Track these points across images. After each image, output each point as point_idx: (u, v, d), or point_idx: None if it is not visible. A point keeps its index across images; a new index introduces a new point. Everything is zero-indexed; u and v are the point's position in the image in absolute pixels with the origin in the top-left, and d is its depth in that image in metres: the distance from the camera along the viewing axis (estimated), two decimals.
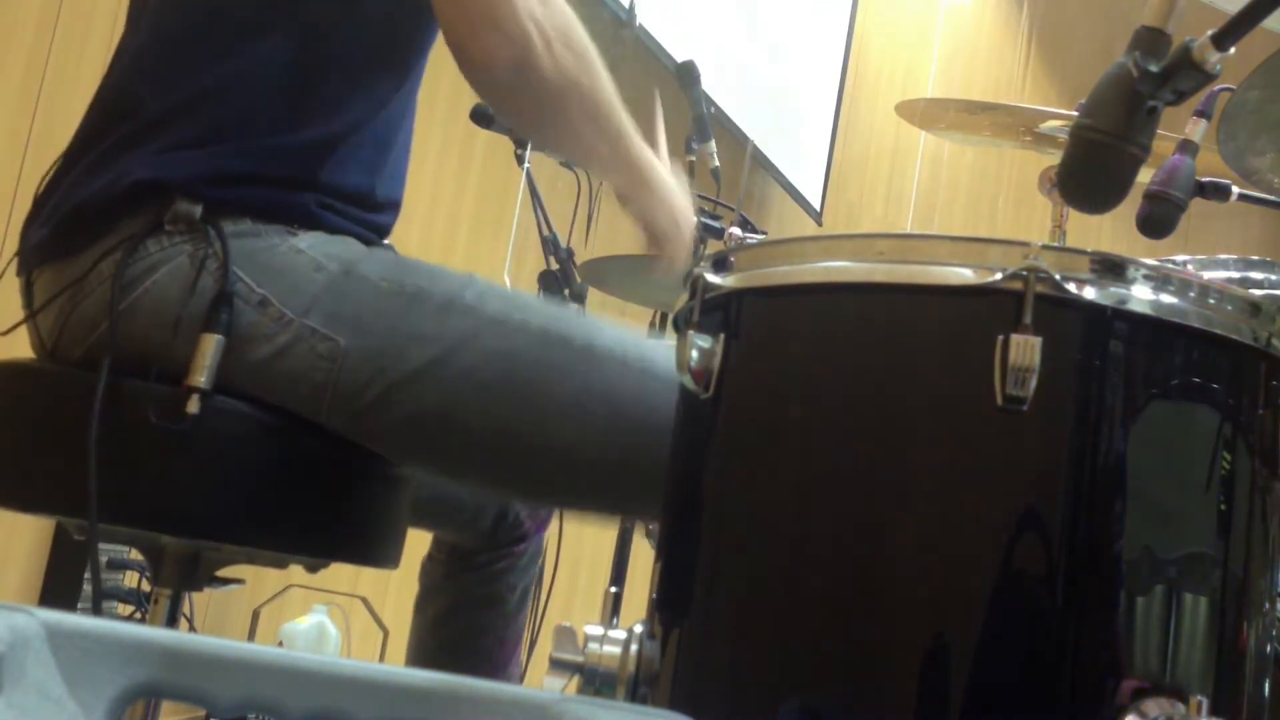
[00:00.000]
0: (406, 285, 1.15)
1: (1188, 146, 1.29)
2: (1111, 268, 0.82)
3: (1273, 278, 1.36)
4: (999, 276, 0.81)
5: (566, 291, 2.15)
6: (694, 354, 0.91)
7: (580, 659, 0.90)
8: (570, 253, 2.19)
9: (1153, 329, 0.83)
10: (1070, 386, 0.82)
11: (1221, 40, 0.84)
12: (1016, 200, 5.89)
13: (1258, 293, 0.91)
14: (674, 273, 1.34)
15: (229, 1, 1.18)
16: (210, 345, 1.09)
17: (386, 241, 1.29)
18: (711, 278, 0.93)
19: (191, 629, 2.52)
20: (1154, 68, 0.86)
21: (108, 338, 1.10)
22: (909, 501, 0.83)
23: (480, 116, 2.12)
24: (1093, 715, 0.79)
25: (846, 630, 0.84)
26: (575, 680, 0.90)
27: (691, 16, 3.92)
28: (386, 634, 2.77)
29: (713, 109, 2.28)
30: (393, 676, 0.62)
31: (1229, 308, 0.85)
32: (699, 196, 2.02)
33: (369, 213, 1.24)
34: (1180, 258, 1.44)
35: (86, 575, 2.33)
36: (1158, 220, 1.24)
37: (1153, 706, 0.78)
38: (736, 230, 1.75)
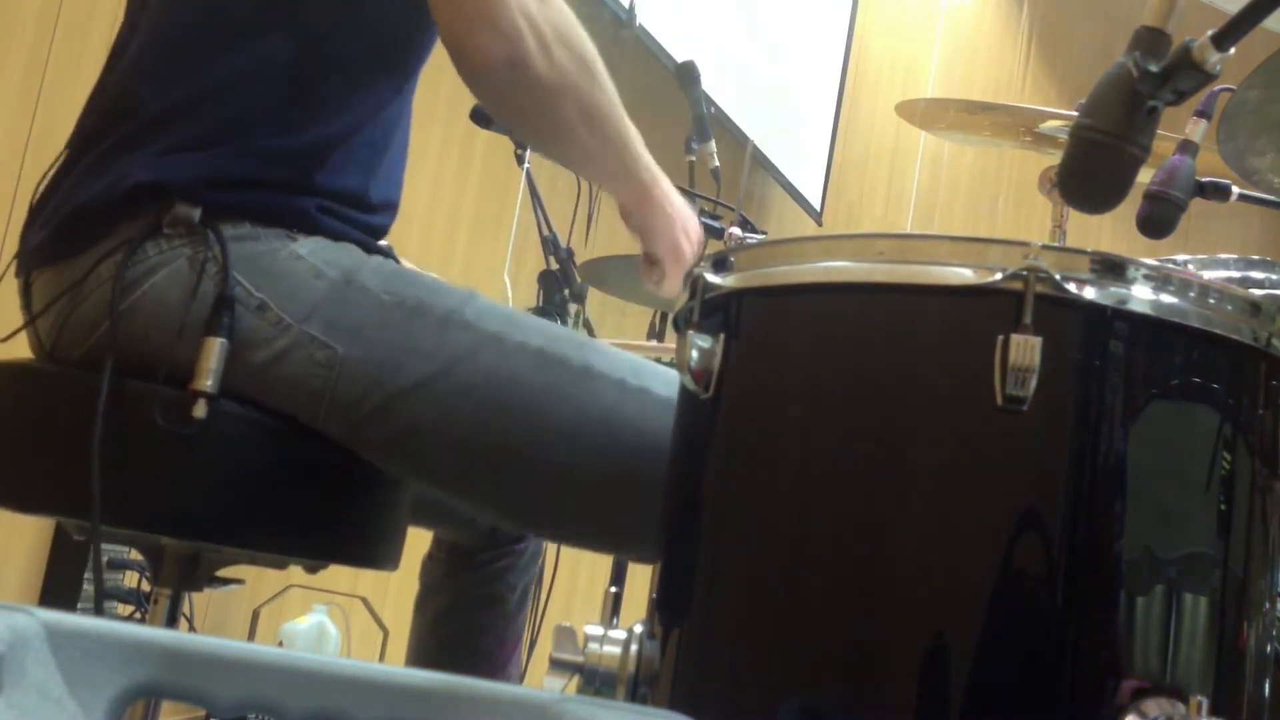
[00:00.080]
0: (407, 298, 1.14)
1: (1188, 146, 1.29)
2: (1111, 268, 0.83)
3: (1273, 277, 1.36)
4: (999, 276, 0.81)
5: (566, 291, 2.15)
6: (694, 354, 0.90)
7: (580, 659, 0.90)
8: (570, 253, 2.19)
9: (1153, 329, 0.83)
10: (1070, 386, 0.82)
11: (1221, 40, 0.84)
12: (1016, 200, 5.89)
13: (1258, 293, 0.91)
14: (668, 293, 1.33)
15: (229, 2, 1.18)
16: (214, 349, 1.09)
17: (385, 243, 1.29)
18: (711, 278, 0.93)
19: (191, 629, 2.52)
20: (1154, 68, 0.86)
21: (107, 339, 1.09)
22: (909, 501, 0.83)
23: (480, 117, 2.12)
24: (1093, 715, 0.79)
25: (846, 630, 0.84)
26: (575, 680, 0.90)
27: (691, 16, 3.92)
28: (386, 634, 2.77)
29: (713, 109, 2.28)
30: (393, 676, 0.62)
31: (1229, 308, 0.85)
32: (699, 197, 2.02)
33: (364, 214, 1.24)
34: (1180, 258, 1.44)
35: (87, 575, 2.33)
36: (1158, 220, 1.24)
37: (1153, 706, 0.78)
38: (736, 230, 1.75)
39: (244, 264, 1.12)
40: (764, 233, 1.77)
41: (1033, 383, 0.78)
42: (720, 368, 0.90)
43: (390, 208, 1.29)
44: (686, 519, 0.94)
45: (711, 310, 0.94)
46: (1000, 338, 0.79)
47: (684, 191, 2.03)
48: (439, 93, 2.86)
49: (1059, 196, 1.59)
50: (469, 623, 1.49)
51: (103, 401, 1.06)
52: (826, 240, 0.91)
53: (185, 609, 1.25)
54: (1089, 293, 0.81)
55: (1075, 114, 0.91)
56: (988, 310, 0.82)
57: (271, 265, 1.13)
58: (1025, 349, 0.78)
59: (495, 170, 3.33)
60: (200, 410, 1.07)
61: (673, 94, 2.10)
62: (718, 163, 2.13)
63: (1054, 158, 1.87)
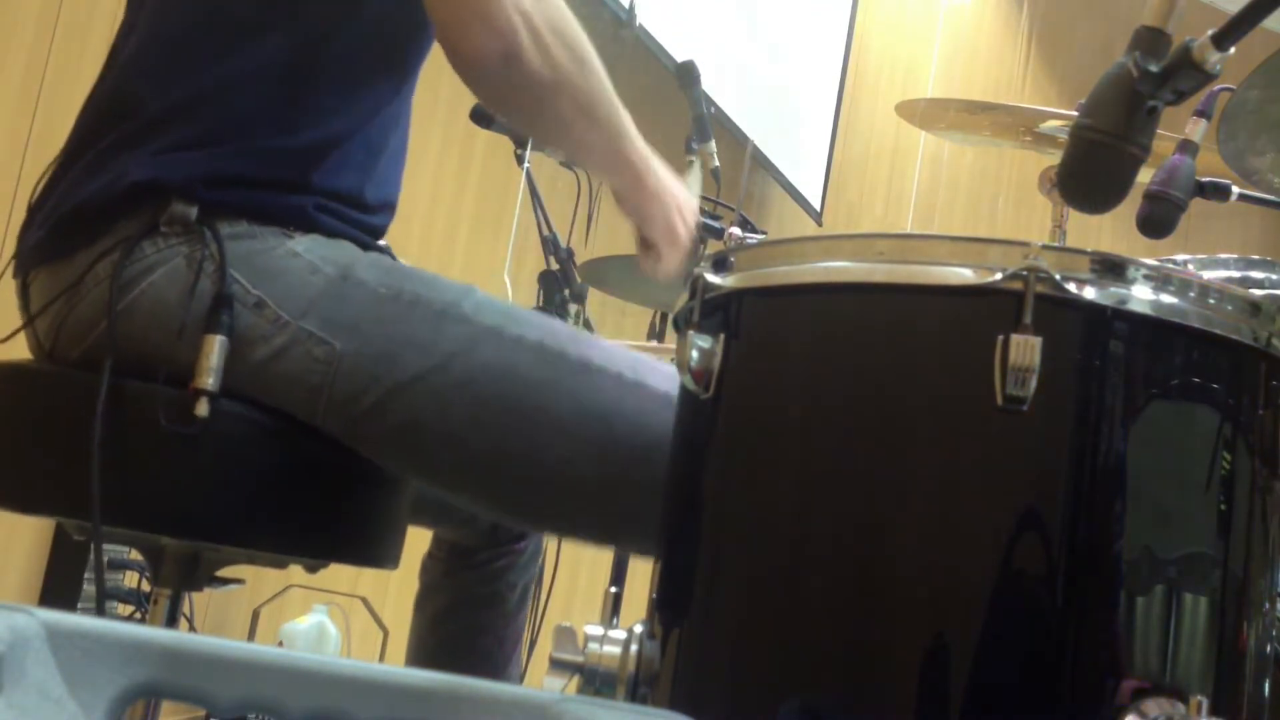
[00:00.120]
0: (404, 292, 1.14)
1: (1188, 146, 1.29)
2: (1111, 268, 0.83)
3: (1273, 277, 1.36)
4: (999, 276, 0.81)
5: (566, 291, 2.15)
6: (694, 354, 0.90)
7: (580, 659, 0.90)
8: (570, 253, 2.19)
9: (1153, 329, 0.83)
10: (1070, 386, 0.82)
11: (1221, 40, 0.84)
12: (1016, 200, 5.89)
13: (1258, 293, 0.91)
14: (664, 276, 1.34)
15: (229, 2, 1.18)
16: (215, 347, 1.09)
17: (383, 242, 1.29)
18: (711, 278, 0.93)
19: (191, 629, 2.52)
20: (1154, 68, 0.86)
21: (105, 339, 1.10)
22: (909, 501, 0.83)
23: (480, 116, 2.12)
24: (1093, 715, 0.79)
25: (846, 630, 0.84)
26: (575, 680, 0.90)
27: (691, 16, 3.92)
28: (386, 634, 2.77)
29: (713, 109, 2.28)
30: (393, 676, 0.62)
31: (1229, 308, 0.85)
32: (698, 196, 2.02)
33: (361, 214, 1.24)
34: (1180, 258, 1.44)
35: (87, 575, 2.33)
36: (1158, 220, 1.24)
37: (1153, 706, 0.78)
38: (736, 230, 1.75)
39: (241, 262, 1.12)
40: (764, 233, 1.77)
41: (1033, 383, 0.78)
42: (720, 368, 0.90)
43: (388, 208, 1.29)
44: (686, 519, 0.94)
45: (711, 310, 0.94)
46: (1000, 338, 0.79)
47: None
48: (439, 93, 2.86)
49: (1059, 196, 1.58)
50: (469, 622, 1.48)
51: (101, 401, 1.06)
52: (826, 240, 0.91)
53: (185, 609, 1.25)
54: (1089, 293, 0.81)
55: (1075, 114, 0.91)
56: (988, 310, 0.82)
57: (268, 263, 1.13)
58: (1025, 349, 0.78)
59: (495, 170, 3.33)
60: (203, 409, 1.07)
61: (673, 94, 2.10)
62: (718, 163, 2.13)
63: (1054, 158, 1.87)
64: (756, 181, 4.84)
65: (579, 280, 2.18)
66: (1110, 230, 4.59)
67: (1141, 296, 0.82)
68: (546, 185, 2.30)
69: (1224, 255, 1.41)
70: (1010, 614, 0.80)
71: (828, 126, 5.25)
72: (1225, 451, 0.85)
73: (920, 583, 0.82)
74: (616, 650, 0.90)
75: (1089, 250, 0.83)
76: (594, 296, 2.26)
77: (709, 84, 2.19)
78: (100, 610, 1.15)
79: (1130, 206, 1.08)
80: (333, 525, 1.19)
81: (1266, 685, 0.88)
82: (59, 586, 2.31)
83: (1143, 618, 0.82)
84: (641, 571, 1.14)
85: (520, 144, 2.20)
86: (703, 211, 1.98)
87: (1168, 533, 0.83)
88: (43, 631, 0.59)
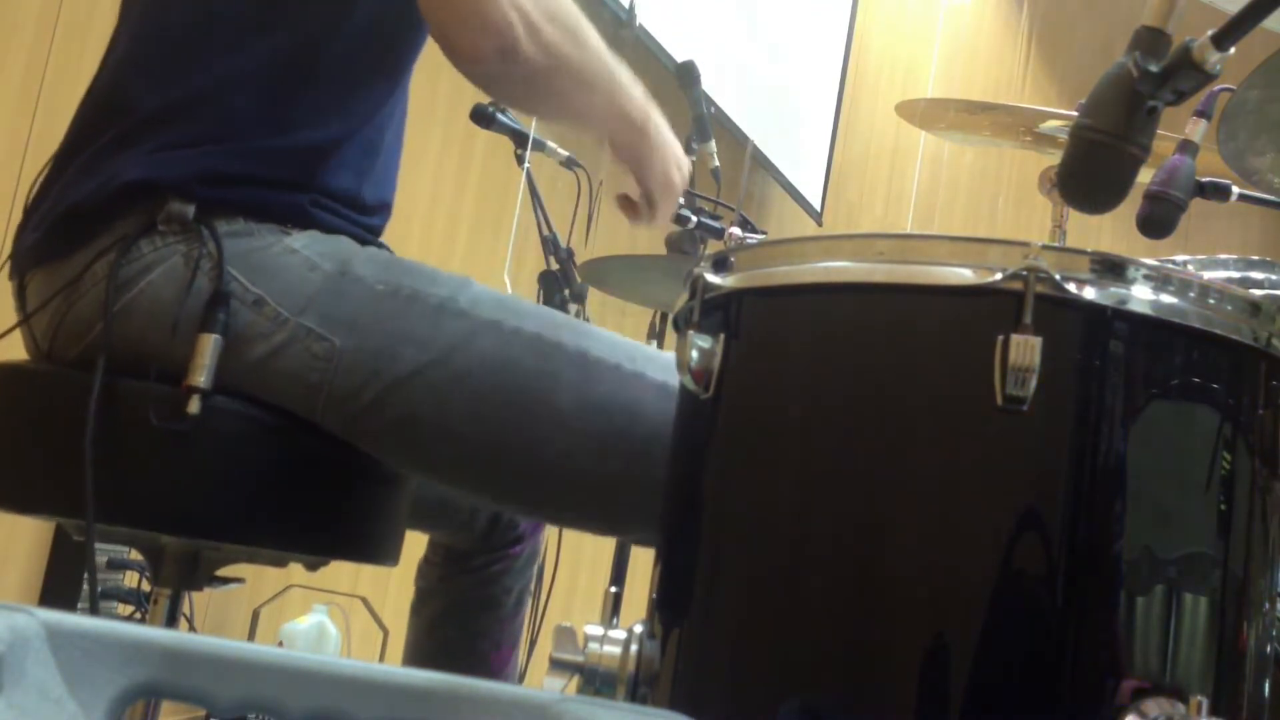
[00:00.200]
0: (402, 287, 1.15)
1: (1188, 146, 1.29)
2: (1111, 268, 0.83)
3: (1273, 278, 1.36)
4: (999, 276, 0.81)
5: (566, 291, 2.15)
6: (694, 354, 0.90)
7: (580, 659, 0.90)
8: (570, 253, 2.19)
9: (1153, 329, 0.83)
10: (1070, 386, 0.82)
11: (1221, 40, 0.84)
12: (1016, 200, 5.89)
13: (1258, 293, 0.91)
14: (659, 223, 1.34)
15: (224, 1, 1.18)
16: (209, 345, 1.09)
17: (381, 240, 1.29)
18: (711, 278, 0.93)
19: (191, 629, 2.52)
20: (1154, 68, 0.86)
21: (103, 338, 1.10)
22: (909, 501, 0.83)
23: (480, 116, 2.12)
24: (1093, 715, 0.79)
25: (846, 630, 0.84)
26: (575, 680, 0.90)
27: (691, 16, 3.92)
28: (386, 634, 2.77)
29: (713, 109, 2.28)
30: (393, 676, 0.62)
31: (1229, 308, 0.85)
32: (700, 197, 2.02)
33: (359, 214, 1.24)
34: (1180, 258, 1.44)
35: (87, 575, 2.33)
36: (1158, 220, 1.24)
37: (1153, 706, 0.78)
38: (736, 230, 1.75)
39: (239, 260, 1.12)
40: (764, 233, 1.77)
41: (1033, 383, 0.78)
42: (720, 368, 0.90)
43: (385, 208, 1.30)
44: (686, 519, 0.94)
45: (711, 310, 0.94)
46: (1000, 338, 0.79)
47: (684, 192, 2.03)
48: (438, 93, 2.86)
49: (1059, 196, 1.58)
50: (465, 626, 1.48)
51: (94, 400, 1.06)
52: (826, 240, 0.91)
53: (185, 609, 1.25)
54: (1089, 293, 0.81)
55: (1075, 114, 0.91)
56: (988, 310, 0.82)
57: (266, 260, 1.13)
58: (1025, 349, 0.78)
59: (495, 170, 3.33)
60: (194, 406, 1.07)
61: (673, 94, 2.10)
62: (718, 163, 2.13)
63: (1054, 158, 1.87)
64: (756, 181, 4.84)
65: (579, 280, 2.18)
66: (1110, 230, 4.60)
67: (1141, 296, 0.82)
68: (546, 185, 2.30)
69: (1224, 255, 1.41)
70: (1010, 614, 0.80)
71: (828, 126, 5.25)
72: (1225, 451, 0.85)
73: (920, 583, 0.82)
74: (616, 650, 0.90)
75: (1089, 250, 0.83)
76: (594, 296, 2.26)
77: (709, 84, 2.19)
78: (94, 609, 1.15)
79: (1130, 206, 1.08)
80: (332, 522, 1.19)
81: (1266, 685, 0.88)
82: (59, 586, 2.31)
83: (1143, 618, 0.82)
84: (641, 571, 1.14)
85: (520, 144, 2.20)
86: (702, 211, 1.99)
87: (1168, 533, 0.83)
88: (43, 631, 0.59)
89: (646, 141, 1.28)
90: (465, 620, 1.48)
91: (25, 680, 0.58)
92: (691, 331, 0.91)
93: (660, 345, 2.36)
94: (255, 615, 2.73)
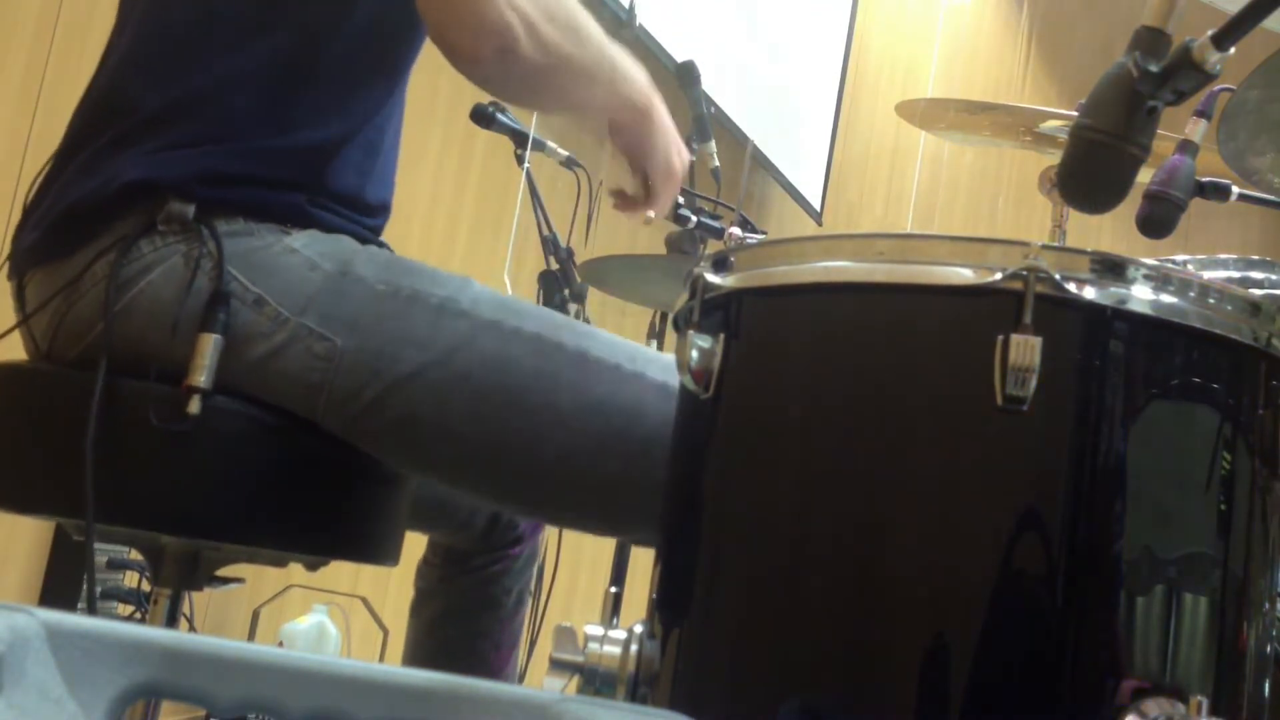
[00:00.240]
0: (403, 287, 1.15)
1: (1188, 146, 1.29)
2: (1111, 268, 0.82)
3: (1273, 278, 1.36)
4: (999, 276, 0.81)
5: (566, 291, 2.15)
6: (694, 354, 0.90)
7: (580, 659, 0.90)
8: (570, 253, 2.19)
9: (1153, 329, 0.83)
10: (1070, 386, 0.82)
11: (1221, 40, 0.84)
12: (1016, 200, 5.89)
13: (1258, 293, 0.91)
14: (659, 212, 1.34)
15: (222, 2, 1.18)
16: (209, 345, 1.09)
17: (381, 239, 1.29)
18: (711, 278, 0.93)
19: (191, 629, 2.52)
20: (1154, 68, 0.86)
21: (103, 339, 1.09)
22: (909, 501, 0.83)
23: (480, 116, 2.12)
24: (1093, 715, 0.79)
25: (846, 630, 0.84)
26: (575, 680, 0.90)
27: (691, 16, 3.92)
28: (386, 634, 2.77)
29: (713, 109, 2.28)
30: (393, 676, 0.62)
31: (1229, 308, 0.85)
32: (700, 197, 2.02)
33: (360, 214, 1.24)
34: (1180, 258, 1.44)
35: (87, 575, 2.33)
36: (1158, 220, 1.24)
37: (1153, 706, 0.78)
38: (736, 230, 1.75)
39: (239, 259, 1.12)
40: (764, 233, 1.77)
41: (1033, 383, 0.78)
42: (720, 368, 0.90)
43: (385, 208, 1.30)
44: (686, 519, 0.94)
45: (711, 310, 0.94)
46: (1000, 338, 0.79)
47: (684, 191, 2.03)
48: (439, 93, 2.86)
49: (1059, 196, 1.58)
50: (465, 627, 1.48)
51: (96, 400, 1.06)
52: (826, 240, 0.91)
53: (185, 609, 1.25)
54: (1089, 293, 0.81)
55: (1075, 114, 0.91)
56: (988, 310, 0.82)
57: (266, 260, 1.13)
58: (1025, 349, 0.78)
59: (495, 170, 3.33)
60: (194, 406, 1.07)
61: (673, 94, 2.10)
62: (718, 163, 2.13)
63: (1054, 158, 1.87)
64: (756, 181, 4.84)
65: (579, 280, 2.18)
66: (1110, 230, 4.60)
67: (1141, 296, 0.82)
68: (546, 185, 2.30)
69: (1224, 255, 1.40)
70: (1010, 614, 0.80)
71: (828, 126, 5.26)
72: (1225, 451, 0.85)
73: (920, 583, 0.82)
74: (616, 650, 0.90)
75: (1089, 250, 0.83)
76: (594, 296, 2.26)
77: (709, 84, 2.19)
78: (93, 610, 1.15)
79: (1130, 206, 1.08)
80: (333, 522, 1.19)
81: (1266, 685, 0.88)
82: (59, 586, 2.31)
83: (1143, 618, 0.82)
84: (641, 571, 1.14)
85: (520, 144, 2.20)
86: (703, 211, 1.99)
87: (1168, 533, 0.83)
88: (43, 631, 0.59)
89: (649, 125, 1.28)
90: (465, 620, 1.48)
91: (25, 680, 0.58)
92: (691, 331, 0.91)
93: (660, 345, 2.37)
94: (255, 615, 2.73)
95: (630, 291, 2.46)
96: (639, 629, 0.92)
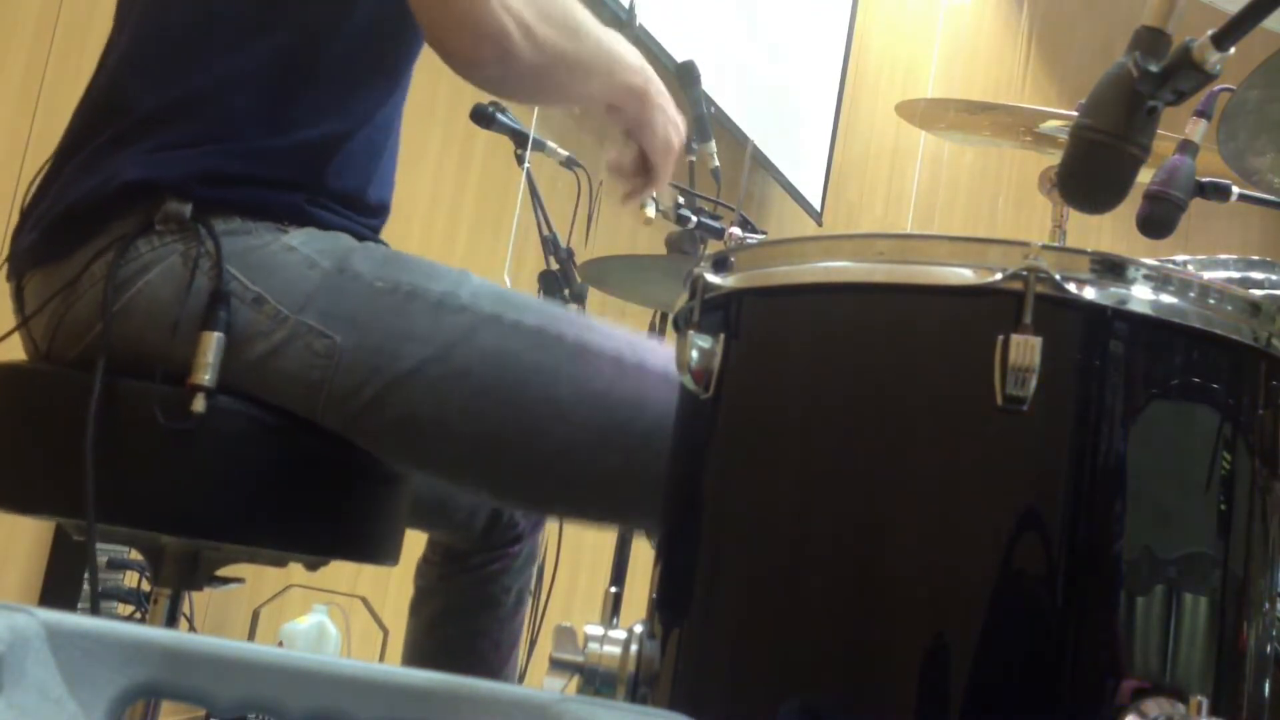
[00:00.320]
0: (401, 283, 1.15)
1: (1188, 146, 1.29)
2: (1111, 268, 0.83)
3: (1273, 278, 1.36)
4: (999, 276, 0.81)
5: (566, 291, 2.15)
6: (694, 354, 0.90)
7: (580, 659, 0.90)
8: (570, 253, 2.19)
9: (1153, 329, 0.83)
10: (1070, 386, 0.82)
11: (1221, 40, 0.84)
12: (1016, 200, 5.89)
13: (1258, 293, 0.91)
14: (658, 190, 1.35)
15: (222, 2, 1.18)
16: (211, 343, 1.09)
17: (379, 238, 1.29)
18: (711, 278, 0.93)
19: (191, 629, 2.52)
20: (1154, 68, 0.86)
21: (102, 339, 1.09)
22: (909, 501, 0.83)
23: (480, 116, 2.12)
24: (1093, 715, 0.79)
25: (846, 630, 0.84)
26: (575, 680, 0.90)
27: (691, 16, 3.92)
28: (386, 634, 2.77)
29: (713, 109, 2.28)
30: (393, 676, 0.62)
31: (1229, 308, 0.85)
32: (700, 197, 2.02)
33: (360, 214, 1.24)
34: (1180, 258, 1.44)
35: (87, 575, 2.33)
36: (1158, 220, 1.24)
37: (1153, 706, 0.78)
38: (736, 230, 1.75)
39: (237, 258, 1.12)
40: (764, 233, 1.77)
41: (1033, 383, 0.78)
42: (720, 368, 0.90)
43: (384, 208, 1.30)
44: (686, 519, 0.94)
45: (711, 310, 0.94)
46: (1000, 338, 0.79)
47: (684, 191, 2.03)
48: (439, 93, 2.85)
49: (1059, 196, 1.58)
50: (464, 626, 1.48)
51: (95, 400, 1.06)
52: (826, 240, 0.91)
53: (185, 609, 1.25)
54: (1089, 293, 0.81)
55: (1075, 114, 0.91)
56: (988, 310, 0.82)
57: (264, 258, 1.13)
58: (1025, 349, 0.78)
59: (495, 170, 3.33)
60: (199, 405, 1.07)
61: (673, 94, 2.10)
62: (718, 163, 2.13)
63: (1054, 158, 1.87)
64: (756, 181, 4.84)
65: (579, 280, 2.18)
66: (1110, 230, 4.59)
67: (1141, 296, 0.82)
68: (546, 185, 2.30)
69: (1224, 255, 1.41)
70: (1010, 614, 0.80)
71: (828, 126, 5.25)
72: (1225, 451, 0.85)
73: (920, 583, 0.82)
74: (616, 650, 0.90)
75: (1089, 250, 0.83)
76: (594, 296, 2.26)
77: (709, 84, 2.19)
78: (94, 610, 1.15)
79: (1130, 206, 1.08)
80: (333, 521, 1.19)
81: (1266, 685, 0.88)
82: (59, 586, 2.31)
83: (1143, 618, 0.82)
84: (641, 571, 1.14)
85: (520, 144, 2.20)
86: (703, 211, 1.99)
87: (1168, 533, 0.83)
88: (43, 631, 0.59)
89: (647, 104, 1.29)
90: (465, 619, 1.48)
91: (25, 680, 0.58)
92: (691, 331, 0.91)
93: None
94: (255, 615, 2.73)
95: (630, 292, 2.46)
96: (639, 629, 0.92)
